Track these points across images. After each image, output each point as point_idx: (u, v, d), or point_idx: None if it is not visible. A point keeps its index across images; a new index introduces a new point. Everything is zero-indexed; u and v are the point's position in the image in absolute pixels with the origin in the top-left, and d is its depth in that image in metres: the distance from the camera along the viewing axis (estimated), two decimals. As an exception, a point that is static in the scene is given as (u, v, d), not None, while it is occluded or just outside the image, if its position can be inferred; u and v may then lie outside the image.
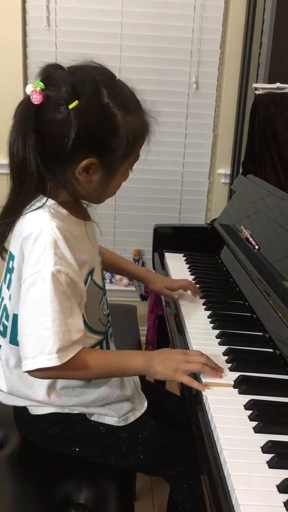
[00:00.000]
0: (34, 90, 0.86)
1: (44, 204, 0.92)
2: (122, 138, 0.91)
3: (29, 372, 0.90)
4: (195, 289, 1.38)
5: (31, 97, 0.86)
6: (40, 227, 0.89)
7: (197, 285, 1.48)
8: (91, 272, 1.00)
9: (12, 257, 0.97)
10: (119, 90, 0.92)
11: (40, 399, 1.01)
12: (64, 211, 0.95)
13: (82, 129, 0.85)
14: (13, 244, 0.96)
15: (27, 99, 0.88)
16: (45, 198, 0.93)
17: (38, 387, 1.00)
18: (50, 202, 0.93)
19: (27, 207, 0.93)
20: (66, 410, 1.04)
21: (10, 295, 0.99)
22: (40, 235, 0.88)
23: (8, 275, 1.00)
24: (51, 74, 0.88)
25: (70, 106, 0.85)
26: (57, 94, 0.86)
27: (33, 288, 0.87)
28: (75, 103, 0.85)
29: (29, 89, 0.86)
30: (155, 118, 0.97)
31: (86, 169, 0.91)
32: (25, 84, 2.35)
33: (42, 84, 0.86)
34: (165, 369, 0.96)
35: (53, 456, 1.08)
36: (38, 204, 0.92)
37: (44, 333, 0.86)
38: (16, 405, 1.08)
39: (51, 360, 0.86)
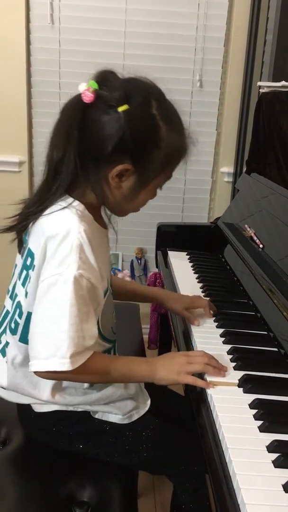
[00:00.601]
0: (88, 89, 0.87)
1: (70, 204, 0.92)
2: (162, 151, 0.92)
3: (37, 372, 0.90)
4: (212, 307, 1.28)
5: (82, 95, 0.87)
6: (68, 228, 0.89)
7: (201, 284, 1.48)
8: (108, 287, 1.01)
9: (31, 254, 0.96)
10: (167, 106, 0.95)
11: (44, 398, 1.01)
12: (89, 216, 0.95)
13: (127, 134, 0.87)
14: (34, 241, 0.95)
15: (77, 97, 0.89)
16: (71, 199, 0.93)
17: (43, 387, 1.00)
18: (77, 204, 0.93)
19: (53, 205, 0.93)
20: (71, 408, 1.04)
21: (26, 293, 0.98)
22: (67, 236, 0.88)
23: (25, 272, 0.99)
24: (107, 77, 0.90)
25: (120, 109, 0.87)
26: (109, 95, 0.88)
27: (53, 289, 0.87)
28: (125, 107, 0.87)
29: (82, 87, 0.88)
30: (194, 144, 1.01)
31: (120, 175, 0.92)
32: (29, 81, 2.35)
33: (96, 84, 0.88)
34: (168, 373, 0.96)
35: (57, 454, 1.07)
36: (64, 204, 0.92)
37: (59, 335, 0.86)
38: (20, 403, 1.08)
39: (63, 365, 0.86)
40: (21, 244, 1.02)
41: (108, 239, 1.06)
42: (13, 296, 1.04)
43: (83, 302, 0.88)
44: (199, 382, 0.95)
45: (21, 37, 2.31)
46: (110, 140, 0.87)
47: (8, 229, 0.99)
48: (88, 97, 0.87)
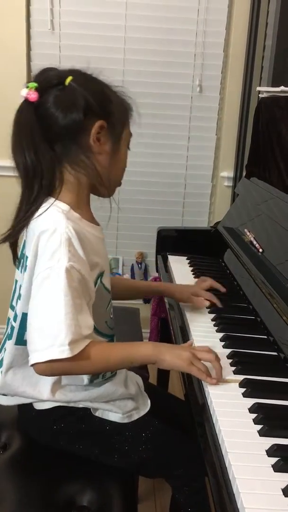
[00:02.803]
0: (29, 91, 0.93)
1: (53, 204, 0.95)
2: (116, 105, 1.00)
3: (37, 364, 0.89)
4: (220, 286, 1.39)
5: (28, 97, 0.93)
6: (55, 224, 0.92)
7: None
8: (101, 275, 1.02)
9: (26, 258, 0.98)
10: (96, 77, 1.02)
11: (45, 398, 1.02)
12: (76, 215, 0.97)
13: (87, 96, 0.93)
14: (28, 245, 0.98)
15: (23, 103, 0.94)
16: (53, 199, 0.96)
17: (43, 386, 1.01)
18: (61, 204, 0.96)
19: (39, 208, 0.95)
20: (71, 404, 1.05)
21: (20, 295, 1.00)
22: (55, 231, 0.90)
23: (21, 275, 1.01)
24: (40, 74, 0.97)
25: (67, 82, 0.93)
26: (50, 81, 0.94)
27: (46, 282, 0.89)
28: (70, 78, 0.94)
29: (24, 92, 0.93)
30: (131, 98, 1.05)
31: (98, 138, 0.97)
32: (29, 86, 2.36)
33: (34, 83, 0.93)
34: (173, 357, 0.96)
35: (57, 458, 1.07)
36: (47, 204, 0.95)
37: (56, 325, 0.87)
38: (20, 403, 1.09)
39: (63, 352, 0.87)
40: (16, 257, 1.03)
41: (102, 235, 1.06)
42: (13, 309, 1.05)
43: (76, 294, 0.89)
44: (203, 376, 0.95)
45: (22, 43, 2.32)
46: (78, 109, 0.93)
47: (3, 240, 1.00)
48: (33, 97, 0.92)
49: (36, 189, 0.95)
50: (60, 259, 0.89)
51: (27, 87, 0.93)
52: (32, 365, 0.90)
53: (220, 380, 0.98)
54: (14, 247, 1.02)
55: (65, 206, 0.96)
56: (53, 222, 0.92)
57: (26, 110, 0.94)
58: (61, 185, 0.97)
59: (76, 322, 0.88)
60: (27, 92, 0.93)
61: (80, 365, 0.92)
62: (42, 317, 0.89)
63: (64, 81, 0.93)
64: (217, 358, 0.99)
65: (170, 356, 0.96)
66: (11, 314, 1.06)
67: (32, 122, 0.93)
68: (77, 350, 0.88)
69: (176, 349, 1.00)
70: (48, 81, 0.94)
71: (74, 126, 0.94)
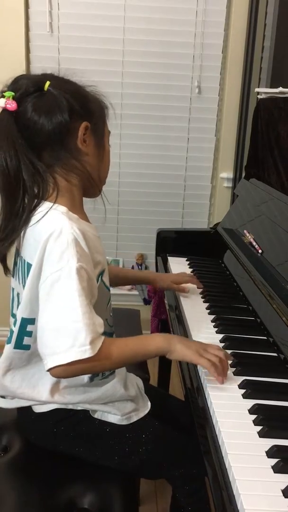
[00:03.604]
0: (7, 100, 0.91)
1: (52, 207, 0.94)
2: (93, 103, 1.00)
3: (56, 367, 0.88)
4: (197, 282, 1.46)
5: (7, 107, 0.91)
6: (60, 226, 0.91)
7: (201, 289, 1.48)
8: (102, 273, 1.02)
9: (29, 266, 0.95)
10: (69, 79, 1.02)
11: (44, 399, 1.02)
12: (74, 216, 0.97)
13: (68, 97, 0.94)
14: (29, 252, 0.96)
15: (2, 114, 0.92)
16: (50, 203, 0.95)
17: (42, 387, 1.01)
18: (59, 206, 0.95)
19: (34, 215, 0.94)
20: (70, 407, 1.05)
21: (19, 302, 1.00)
22: (61, 233, 0.90)
23: (18, 282, 1.01)
24: (15, 82, 0.95)
25: (45, 87, 0.93)
26: (28, 88, 0.93)
27: (57, 285, 0.88)
28: (48, 82, 0.93)
29: (1, 102, 0.92)
30: (105, 96, 1.05)
31: (84, 139, 0.97)
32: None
33: (11, 92, 0.92)
34: (184, 348, 0.98)
35: (57, 460, 1.08)
36: (45, 209, 0.94)
37: (74, 326, 0.87)
38: (19, 406, 1.08)
39: (85, 352, 0.87)
40: (7, 268, 1.03)
41: (97, 233, 1.06)
42: (14, 317, 1.04)
43: (86, 293, 0.90)
44: (212, 369, 0.96)
45: (21, 46, 2.32)
46: (62, 112, 0.93)
47: None
48: (12, 106, 0.92)
49: (21, 198, 0.94)
50: (70, 260, 0.89)
51: (3, 96, 0.92)
52: (49, 369, 0.89)
53: (225, 379, 0.98)
54: (3, 260, 1.01)
55: (63, 208, 0.96)
56: (57, 224, 0.91)
57: (6, 120, 0.92)
58: (55, 190, 0.97)
59: (93, 321, 0.89)
60: (5, 102, 0.91)
61: (100, 363, 0.92)
62: (58, 320, 0.88)
63: (42, 86, 0.93)
64: (227, 356, 1.00)
65: (181, 347, 0.98)
66: (12, 321, 1.06)
67: (13, 132, 0.92)
68: (97, 349, 0.89)
69: (187, 340, 1.02)
70: (25, 89, 0.93)
71: (61, 129, 0.94)
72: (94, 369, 0.96)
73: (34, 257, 0.93)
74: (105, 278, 1.05)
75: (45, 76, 0.96)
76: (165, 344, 0.98)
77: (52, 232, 0.90)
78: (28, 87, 0.93)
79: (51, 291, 0.89)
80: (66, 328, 0.87)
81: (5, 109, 0.92)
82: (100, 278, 1.01)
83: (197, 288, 1.46)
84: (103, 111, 1.04)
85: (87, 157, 0.99)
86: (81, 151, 0.98)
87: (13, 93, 0.92)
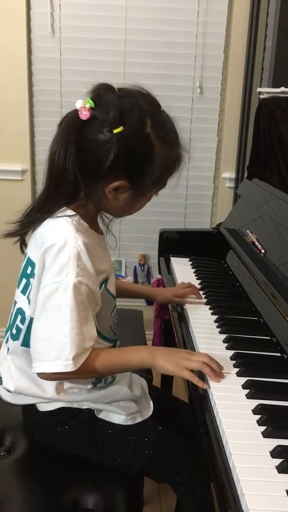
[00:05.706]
0: (84, 106, 0.90)
1: (66, 215, 0.96)
2: (156, 167, 0.96)
3: (42, 373, 0.94)
4: (198, 292, 1.43)
5: (79, 112, 0.91)
6: (65, 238, 0.92)
7: (204, 290, 1.48)
8: (105, 281, 1.03)
9: (31, 263, 0.99)
10: (162, 122, 0.98)
11: (49, 396, 1.03)
12: (85, 224, 0.98)
13: (122, 153, 0.91)
14: (33, 250, 0.99)
15: (74, 113, 0.92)
16: (68, 210, 0.97)
17: (47, 385, 1.03)
18: (73, 214, 0.97)
19: (51, 216, 0.96)
20: (75, 405, 1.06)
21: (29, 300, 1.01)
22: (65, 246, 0.92)
23: (25, 280, 1.02)
24: (102, 95, 0.93)
25: (115, 131, 0.90)
26: (104, 117, 0.91)
27: (54, 296, 0.91)
28: (120, 129, 0.90)
29: (79, 104, 0.91)
30: (188, 152, 1.03)
31: (116, 189, 0.96)
32: (30, 90, 2.37)
33: (92, 102, 0.90)
34: (166, 363, 0.98)
35: (61, 460, 1.08)
36: (60, 214, 0.96)
37: (62, 339, 0.91)
38: (25, 404, 1.09)
39: (67, 366, 0.91)
40: (24, 246, 1.05)
41: (106, 243, 1.09)
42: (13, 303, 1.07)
43: (82, 307, 0.92)
44: (195, 379, 0.97)
45: (22, 47, 2.32)
46: (106, 159, 0.91)
47: (9, 235, 1.03)
48: (84, 116, 0.91)
49: (56, 197, 0.96)
50: (69, 274, 0.91)
51: (85, 101, 0.91)
52: (36, 373, 0.94)
53: (221, 377, 0.98)
54: (23, 238, 1.04)
55: (75, 217, 0.97)
56: (62, 236, 0.93)
57: (71, 123, 0.92)
58: (75, 197, 0.97)
59: (81, 337, 0.92)
60: (81, 107, 0.91)
61: (84, 375, 0.98)
62: (49, 330, 0.92)
63: (114, 127, 0.90)
64: (212, 360, 0.99)
65: (163, 362, 0.98)
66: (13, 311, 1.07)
67: (71, 137, 0.92)
68: (80, 364, 0.92)
69: (170, 354, 1.00)
70: (103, 115, 0.91)
71: (97, 170, 0.93)
72: (79, 379, 1.01)
73: (35, 258, 0.97)
74: (110, 286, 1.06)
75: (127, 118, 0.91)
76: (149, 359, 0.99)
77: (56, 242, 0.92)
78: (107, 116, 0.90)
79: (48, 300, 0.92)
80: (54, 340, 0.91)
81: (77, 112, 0.91)
82: (103, 286, 1.03)
83: (197, 299, 1.41)
84: (166, 172, 0.99)
85: (113, 202, 0.98)
86: (106, 195, 0.97)
87: (92, 104, 0.91)
